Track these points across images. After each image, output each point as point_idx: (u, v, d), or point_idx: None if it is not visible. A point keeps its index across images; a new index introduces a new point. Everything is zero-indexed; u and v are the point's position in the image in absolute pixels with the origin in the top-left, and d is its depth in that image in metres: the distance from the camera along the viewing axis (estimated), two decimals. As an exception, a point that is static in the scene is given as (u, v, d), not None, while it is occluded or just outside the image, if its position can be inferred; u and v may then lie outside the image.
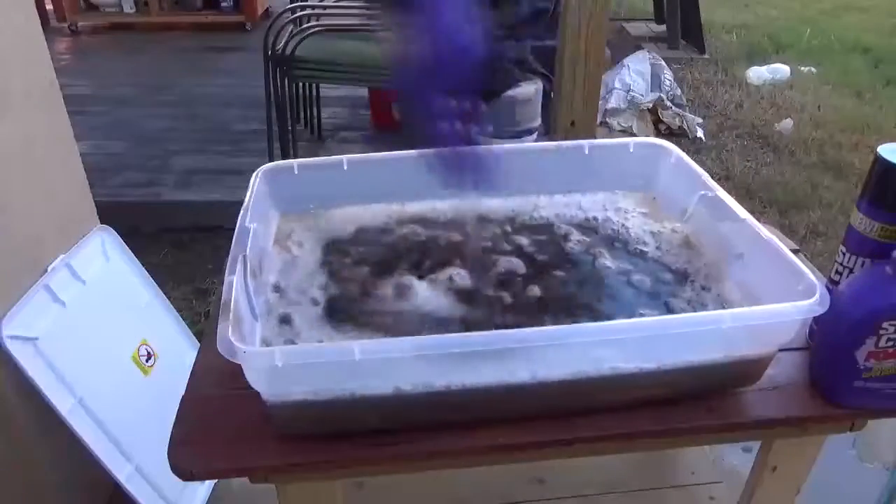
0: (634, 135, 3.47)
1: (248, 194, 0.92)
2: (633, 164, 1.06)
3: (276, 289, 0.88)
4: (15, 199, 1.26)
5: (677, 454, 1.40)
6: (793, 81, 4.27)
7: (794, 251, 0.90)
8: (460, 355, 0.69)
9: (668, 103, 3.63)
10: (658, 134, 3.53)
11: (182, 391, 0.82)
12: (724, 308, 0.85)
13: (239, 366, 0.66)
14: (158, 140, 3.21)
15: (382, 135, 3.26)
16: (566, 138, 1.94)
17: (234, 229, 0.85)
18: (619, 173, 1.07)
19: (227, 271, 0.77)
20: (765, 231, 0.84)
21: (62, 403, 1.25)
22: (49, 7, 4.71)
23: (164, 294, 1.63)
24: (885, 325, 0.74)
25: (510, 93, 2.85)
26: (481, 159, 0.83)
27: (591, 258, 0.95)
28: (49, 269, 1.32)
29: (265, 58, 2.64)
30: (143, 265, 1.58)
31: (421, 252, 0.96)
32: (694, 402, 0.80)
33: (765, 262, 0.82)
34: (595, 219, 1.03)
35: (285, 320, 0.83)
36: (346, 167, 1.02)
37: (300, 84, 3.02)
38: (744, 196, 2.99)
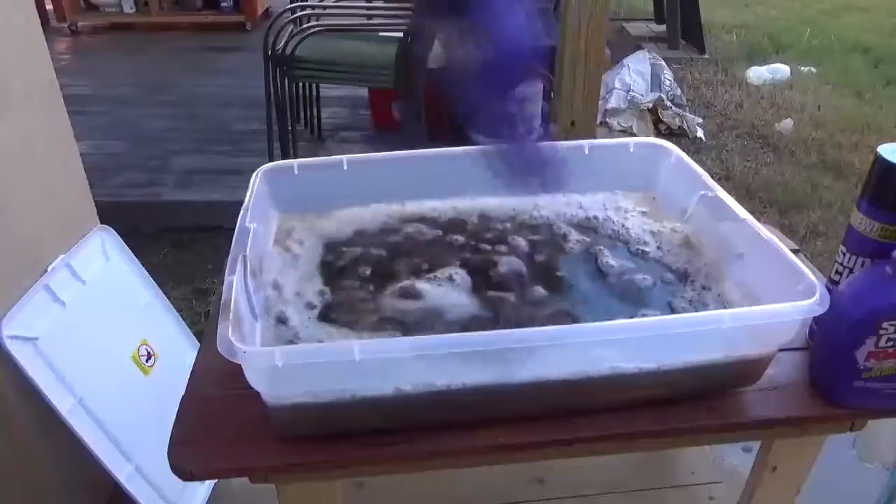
0: (634, 135, 3.47)
1: (248, 194, 0.92)
2: (633, 164, 1.07)
3: (276, 289, 0.88)
4: (15, 199, 1.26)
5: (677, 454, 1.40)
6: (793, 81, 4.27)
7: (794, 251, 0.90)
8: (460, 355, 0.69)
9: (668, 103, 3.63)
10: (658, 134, 3.53)
11: (182, 391, 0.82)
12: (724, 308, 0.85)
13: (239, 366, 0.66)
14: (158, 140, 3.21)
15: (382, 135, 3.26)
16: (566, 138, 1.94)
17: (234, 229, 0.85)
18: (619, 173, 1.07)
19: (227, 271, 0.77)
20: (765, 231, 0.84)
21: (62, 403, 1.25)
22: (49, 7, 4.71)
23: (164, 294, 1.63)
24: (885, 325, 0.74)
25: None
26: (547, 157, 0.83)
27: (591, 258, 0.95)
28: (49, 269, 1.32)
29: (265, 58, 2.64)
30: (143, 265, 1.58)
31: (421, 252, 0.96)
32: (694, 402, 0.80)
33: (765, 262, 0.82)
34: (595, 218, 1.03)
35: (285, 320, 0.83)
36: (346, 167, 1.02)
37: (300, 84, 3.02)
38: (744, 196, 2.99)
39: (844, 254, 0.84)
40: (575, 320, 0.83)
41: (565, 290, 0.89)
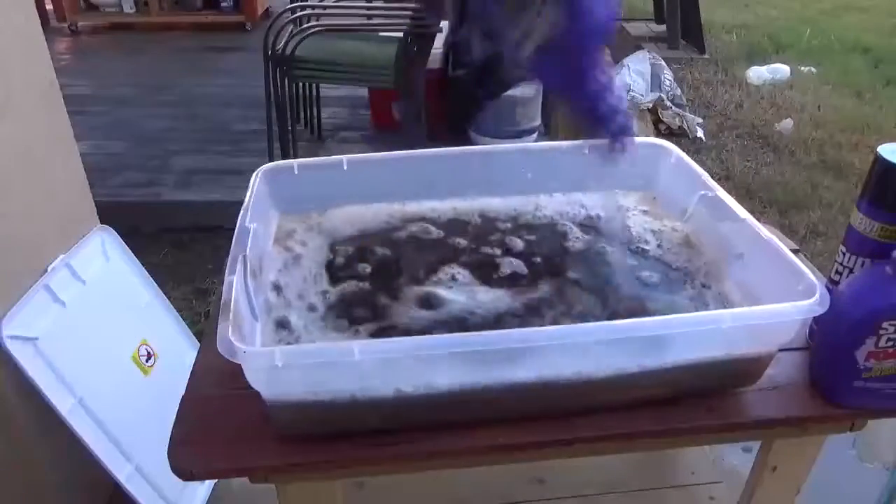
0: (635, 135, 3.46)
1: (248, 194, 0.92)
2: (633, 164, 1.06)
3: (276, 289, 0.88)
4: (15, 199, 1.26)
5: (677, 454, 1.40)
6: (793, 81, 4.27)
7: (794, 251, 0.90)
8: (460, 355, 0.69)
9: (668, 103, 3.63)
10: (658, 134, 3.52)
11: (182, 391, 0.82)
12: (724, 308, 0.85)
13: (239, 366, 0.66)
14: (158, 140, 3.21)
15: (382, 135, 3.26)
16: (566, 138, 1.94)
17: (234, 229, 0.85)
18: (619, 173, 1.07)
19: (227, 271, 0.77)
20: (765, 231, 0.84)
21: (62, 403, 1.25)
22: (49, 7, 4.70)
23: (164, 294, 1.63)
24: (885, 325, 0.74)
25: (510, 93, 2.85)
26: (625, 122, 0.88)
27: (591, 257, 0.95)
28: (49, 269, 1.32)
29: (265, 58, 2.64)
30: (143, 265, 1.58)
31: (422, 252, 0.96)
32: (694, 402, 0.80)
33: (765, 262, 0.82)
34: (598, 217, 1.03)
35: (285, 321, 0.83)
36: (346, 167, 1.02)
37: (300, 84, 3.02)
38: (744, 196, 2.99)
39: (844, 254, 0.85)
40: (575, 319, 0.83)
41: (565, 290, 0.89)
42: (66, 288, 1.34)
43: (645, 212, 1.04)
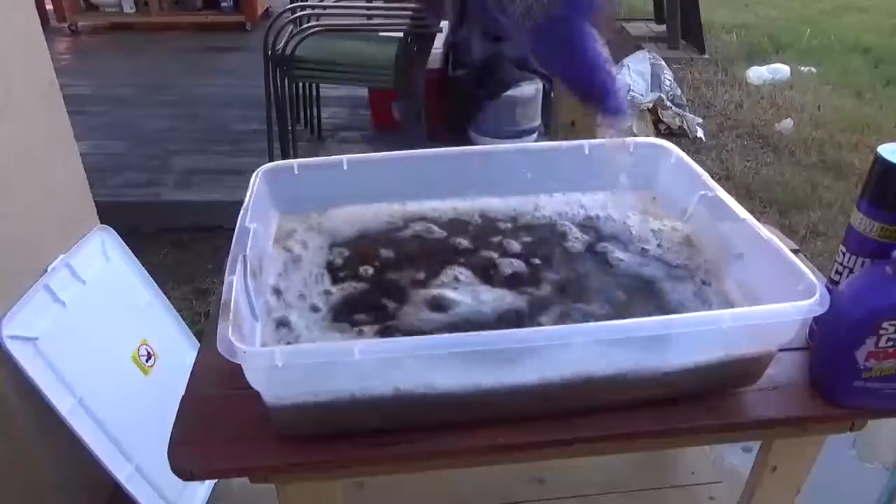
0: (634, 135, 3.47)
1: (248, 194, 0.92)
2: (633, 164, 1.06)
3: (276, 289, 0.88)
4: (15, 199, 1.26)
5: (677, 454, 1.40)
6: (793, 81, 4.27)
7: (794, 251, 0.90)
8: (460, 355, 0.69)
9: (668, 103, 3.63)
10: (658, 134, 3.52)
11: (182, 391, 0.82)
12: (724, 308, 0.85)
13: (239, 366, 0.66)
14: (158, 140, 3.21)
15: (382, 135, 3.26)
16: (566, 138, 1.94)
17: (234, 229, 0.85)
18: (619, 173, 1.07)
19: (227, 271, 0.77)
20: (765, 231, 0.84)
21: (62, 403, 1.25)
22: (49, 7, 4.70)
23: (164, 294, 1.63)
24: (885, 325, 0.74)
25: (510, 93, 2.85)
26: (619, 101, 0.89)
27: (591, 258, 0.95)
28: (49, 269, 1.32)
29: (265, 58, 2.64)
30: (143, 265, 1.58)
31: (424, 252, 0.96)
32: (694, 402, 0.80)
33: (765, 262, 0.82)
34: (597, 217, 1.03)
35: (285, 321, 0.83)
36: (346, 167, 1.02)
37: (300, 84, 3.02)
38: (744, 196, 2.99)
39: (844, 254, 0.84)
40: (575, 320, 0.83)
41: (565, 290, 0.89)
42: (66, 288, 1.34)
43: (645, 212, 1.04)
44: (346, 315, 0.85)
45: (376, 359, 0.69)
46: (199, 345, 0.91)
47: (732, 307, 0.85)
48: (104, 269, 1.47)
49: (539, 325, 0.82)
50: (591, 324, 0.78)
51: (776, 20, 5.51)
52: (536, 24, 0.82)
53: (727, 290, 0.88)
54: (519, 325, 0.82)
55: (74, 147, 1.46)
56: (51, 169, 1.38)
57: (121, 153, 3.10)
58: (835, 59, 4.66)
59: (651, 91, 3.67)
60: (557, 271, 0.92)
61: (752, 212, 0.89)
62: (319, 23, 2.76)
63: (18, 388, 1.22)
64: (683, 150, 1.04)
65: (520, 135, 2.92)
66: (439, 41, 2.96)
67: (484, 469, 0.90)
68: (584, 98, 0.89)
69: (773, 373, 0.82)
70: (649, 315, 0.83)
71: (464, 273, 0.90)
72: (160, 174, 2.93)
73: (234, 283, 0.74)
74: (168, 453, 0.74)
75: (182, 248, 2.56)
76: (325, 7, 2.98)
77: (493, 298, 0.86)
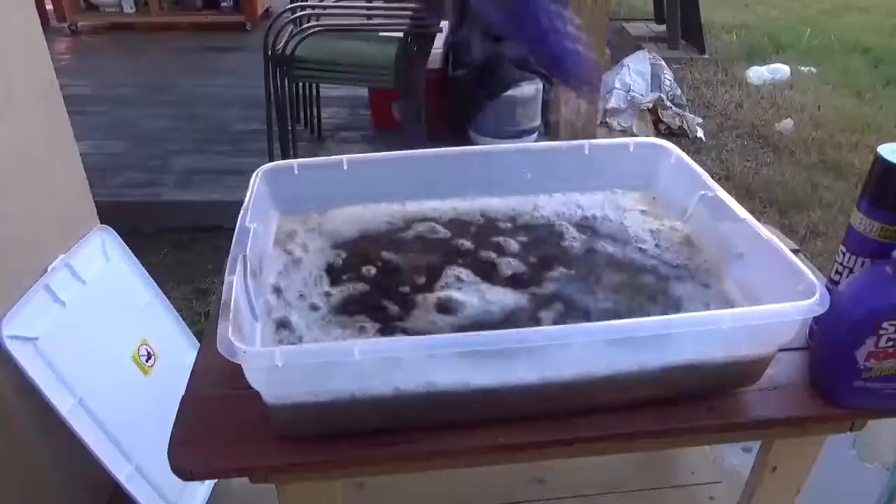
0: (634, 135, 3.47)
1: (248, 194, 0.92)
2: (633, 164, 1.07)
3: (276, 289, 0.88)
4: (15, 200, 1.26)
5: (677, 454, 1.40)
6: (793, 81, 4.27)
7: (794, 251, 0.90)
8: (460, 355, 0.69)
9: (668, 103, 3.63)
10: (658, 134, 3.52)
11: (182, 391, 0.82)
12: (724, 308, 0.85)
13: (239, 366, 0.66)
14: (158, 140, 3.21)
15: (382, 135, 3.26)
16: (566, 138, 1.94)
17: (234, 229, 0.85)
18: (619, 173, 1.07)
19: (227, 271, 0.77)
20: (765, 231, 0.84)
21: (62, 403, 1.25)
22: (49, 7, 4.70)
23: (164, 294, 1.63)
24: (885, 325, 0.74)
25: (510, 93, 2.85)
26: (580, 58, 0.90)
27: (590, 258, 0.95)
28: (49, 269, 1.32)
29: (265, 58, 2.64)
30: (143, 265, 1.58)
31: (423, 251, 0.96)
32: (694, 402, 0.80)
33: (765, 262, 0.82)
34: (594, 217, 1.03)
35: (285, 321, 0.83)
36: (346, 167, 1.02)
37: (300, 84, 3.02)
38: (744, 196, 2.99)
39: (844, 254, 0.85)
40: (575, 320, 0.83)
41: (564, 290, 0.89)
42: (66, 288, 1.34)
43: (644, 212, 1.04)
44: (347, 315, 0.85)
45: (376, 359, 0.69)
46: (199, 345, 0.91)
47: (732, 307, 0.85)
48: (104, 269, 1.47)
49: (540, 324, 0.82)
50: (591, 324, 0.78)
51: (776, 20, 5.51)
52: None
53: (727, 291, 0.88)
54: (527, 325, 0.82)
55: (74, 147, 1.46)
56: (51, 169, 1.38)
57: (121, 153, 3.10)
58: (835, 59, 4.66)
59: (651, 91, 3.67)
60: (555, 271, 0.92)
61: (752, 212, 0.89)
62: (319, 23, 2.76)
63: (18, 388, 1.22)
64: (683, 150, 1.04)
65: (520, 135, 2.91)
66: (439, 41, 2.96)
67: (484, 469, 0.90)
68: (547, 67, 0.92)
69: (773, 373, 0.82)
70: (649, 315, 0.83)
71: (465, 273, 0.90)
72: (160, 174, 2.93)
73: (234, 283, 0.74)
74: (168, 453, 0.74)
75: (182, 248, 2.56)
76: (325, 7, 2.98)
77: (498, 299, 0.86)
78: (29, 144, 1.30)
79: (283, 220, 1.01)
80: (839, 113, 3.85)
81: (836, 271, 0.86)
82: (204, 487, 1.56)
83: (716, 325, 0.72)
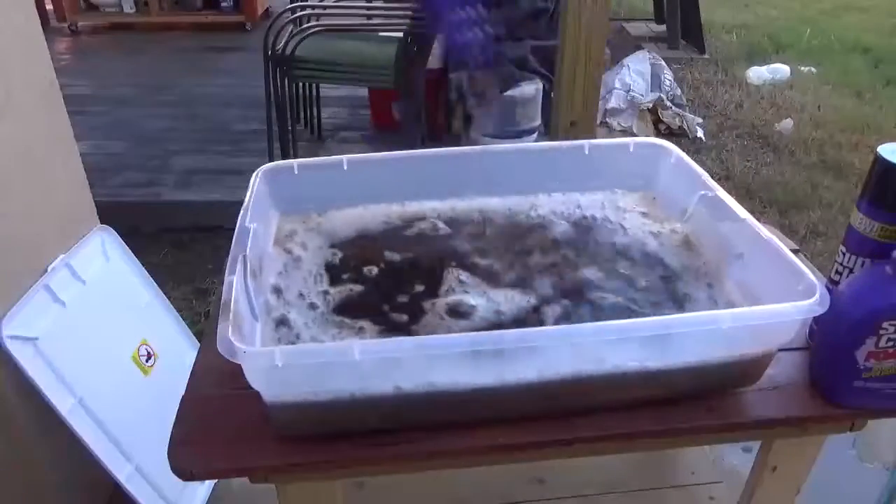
0: (634, 135, 3.47)
1: (248, 194, 0.92)
2: (633, 164, 1.07)
3: (276, 289, 0.88)
4: (15, 200, 1.26)
5: (677, 454, 1.40)
6: (793, 81, 4.27)
7: (794, 251, 0.90)
8: (460, 355, 0.69)
9: (668, 103, 3.63)
10: (658, 134, 3.52)
11: (182, 391, 0.82)
12: (724, 308, 0.85)
13: (239, 366, 0.66)
14: (158, 140, 3.21)
15: (382, 135, 3.26)
16: (566, 138, 1.94)
17: (234, 229, 0.85)
18: (619, 173, 1.07)
19: (227, 271, 0.77)
20: (765, 231, 0.84)
21: (62, 403, 1.25)
22: (49, 7, 4.71)
23: (164, 294, 1.63)
24: (885, 325, 0.74)
25: (510, 93, 2.85)
26: (484, 44, 0.96)
27: (590, 258, 0.95)
28: (49, 269, 1.32)
29: (265, 58, 2.64)
30: (143, 265, 1.58)
31: (424, 251, 0.96)
32: (694, 402, 0.80)
33: (765, 262, 0.82)
34: (594, 218, 1.03)
35: (284, 320, 0.83)
36: (346, 167, 1.02)
37: (300, 84, 3.02)
38: (744, 196, 2.99)
39: (844, 254, 0.85)
40: (575, 320, 0.83)
41: (564, 290, 0.89)
42: (66, 288, 1.34)
43: (644, 213, 1.04)
44: (342, 313, 0.85)
45: (376, 359, 0.69)
46: (199, 345, 0.91)
47: (732, 307, 0.85)
48: (104, 269, 1.47)
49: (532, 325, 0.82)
50: (591, 324, 0.77)
51: (776, 20, 5.51)
52: None
53: (727, 291, 0.88)
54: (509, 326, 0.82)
55: (74, 147, 1.46)
56: (51, 169, 1.38)
57: (121, 153, 3.10)
58: (835, 59, 4.66)
59: (651, 91, 3.68)
60: (554, 271, 0.92)
61: (752, 212, 0.89)
62: (319, 23, 2.76)
63: (18, 388, 1.22)
64: (683, 150, 1.04)
65: (520, 135, 2.92)
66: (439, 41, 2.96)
67: (484, 469, 0.90)
68: (456, 53, 0.98)
69: (773, 373, 0.82)
70: (649, 315, 0.83)
71: (466, 275, 0.90)
72: (160, 174, 2.93)
73: (234, 283, 0.74)
74: (168, 453, 0.74)
75: (182, 248, 2.56)
76: (325, 7, 2.98)
77: (502, 300, 0.86)
78: (29, 144, 1.30)
79: (283, 220, 1.01)
80: (839, 113, 3.85)
81: (836, 271, 0.86)
82: (204, 487, 1.56)
83: (716, 325, 0.72)
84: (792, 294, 0.73)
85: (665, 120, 3.60)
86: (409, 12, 2.76)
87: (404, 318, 0.84)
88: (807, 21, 5.38)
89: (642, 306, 0.86)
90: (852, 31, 5.16)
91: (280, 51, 2.60)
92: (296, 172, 1.01)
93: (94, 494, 1.46)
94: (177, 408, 0.79)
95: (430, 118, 2.92)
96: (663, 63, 3.86)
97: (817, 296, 0.71)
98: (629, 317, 0.84)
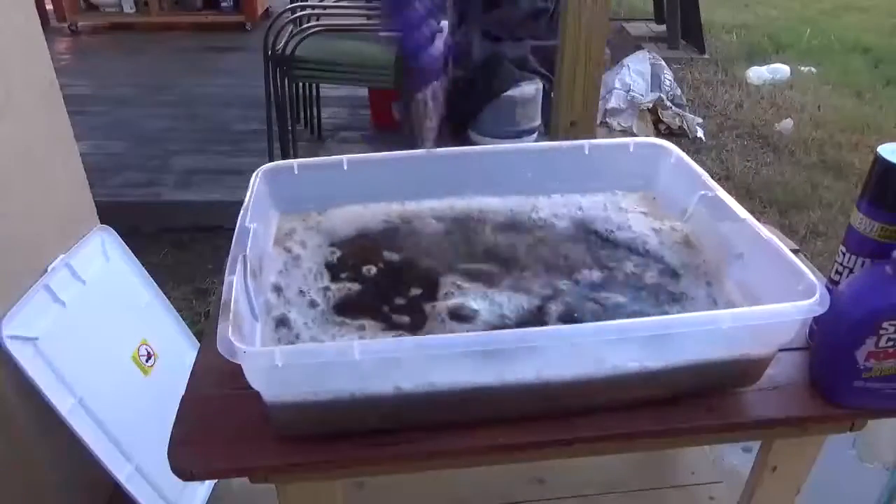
0: (634, 135, 3.47)
1: (248, 194, 0.92)
2: (633, 164, 1.07)
3: (276, 288, 0.88)
4: (15, 200, 1.26)
5: (677, 454, 1.40)
6: (793, 81, 4.27)
7: (794, 251, 0.90)
8: (460, 355, 0.69)
9: (668, 103, 3.63)
10: (658, 134, 3.52)
11: (182, 391, 0.82)
12: (724, 308, 0.85)
13: (239, 366, 0.66)
14: (158, 140, 3.21)
15: (382, 135, 3.26)
16: (566, 138, 1.94)
17: (234, 229, 0.85)
18: (619, 173, 1.07)
19: (227, 271, 0.77)
20: (765, 231, 0.84)
21: (62, 403, 1.25)
22: (49, 7, 4.70)
23: (164, 294, 1.63)
24: (885, 325, 0.74)
25: (510, 93, 2.85)
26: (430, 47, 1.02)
27: (589, 258, 0.95)
28: (49, 269, 1.32)
29: (265, 58, 2.64)
30: (143, 265, 1.58)
31: (424, 251, 0.96)
32: (694, 402, 0.80)
33: (765, 262, 0.82)
34: (594, 218, 1.03)
35: (285, 321, 0.83)
36: (346, 167, 1.02)
37: (300, 84, 3.02)
38: (744, 196, 2.99)
39: (844, 254, 0.85)
40: (575, 320, 0.83)
41: (564, 290, 0.89)
42: (66, 288, 1.34)
43: (644, 213, 1.04)
44: (342, 313, 0.85)
45: (376, 359, 0.69)
46: (199, 345, 0.91)
47: (732, 307, 0.85)
48: (104, 269, 1.47)
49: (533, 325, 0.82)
50: (591, 324, 0.78)
51: (776, 20, 5.51)
52: None
53: (727, 291, 0.88)
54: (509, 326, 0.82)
55: (74, 147, 1.46)
56: (51, 169, 1.38)
57: (121, 153, 3.09)
58: (835, 59, 4.66)
59: (651, 91, 3.68)
60: (554, 271, 0.92)
61: (752, 212, 0.89)
62: (319, 23, 2.76)
63: (18, 388, 1.22)
64: (683, 150, 1.04)
65: (520, 135, 2.92)
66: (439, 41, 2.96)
67: (484, 469, 0.90)
68: (407, 54, 0.99)
69: (773, 373, 0.82)
70: (650, 315, 0.83)
71: (465, 278, 0.90)
72: (160, 174, 2.93)
73: (234, 283, 0.74)
74: (168, 453, 0.74)
75: (182, 248, 2.56)
76: (325, 7, 2.98)
77: (506, 301, 0.86)
78: (29, 144, 1.30)
79: (283, 220, 1.01)
80: (839, 113, 3.85)
81: (836, 271, 0.86)
82: (204, 487, 1.56)
83: (716, 325, 0.72)
84: (792, 294, 0.74)
85: (665, 120, 3.60)
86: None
87: (405, 319, 0.84)
88: (807, 21, 5.38)
89: (642, 306, 0.86)
90: (852, 31, 5.16)
91: (280, 51, 2.60)
92: (296, 172, 1.01)
93: (94, 494, 1.46)
94: (177, 408, 0.79)
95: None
96: (663, 63, 3.86)
97: (817, 296, 0.71)
98: (629, 317, 0.84)
